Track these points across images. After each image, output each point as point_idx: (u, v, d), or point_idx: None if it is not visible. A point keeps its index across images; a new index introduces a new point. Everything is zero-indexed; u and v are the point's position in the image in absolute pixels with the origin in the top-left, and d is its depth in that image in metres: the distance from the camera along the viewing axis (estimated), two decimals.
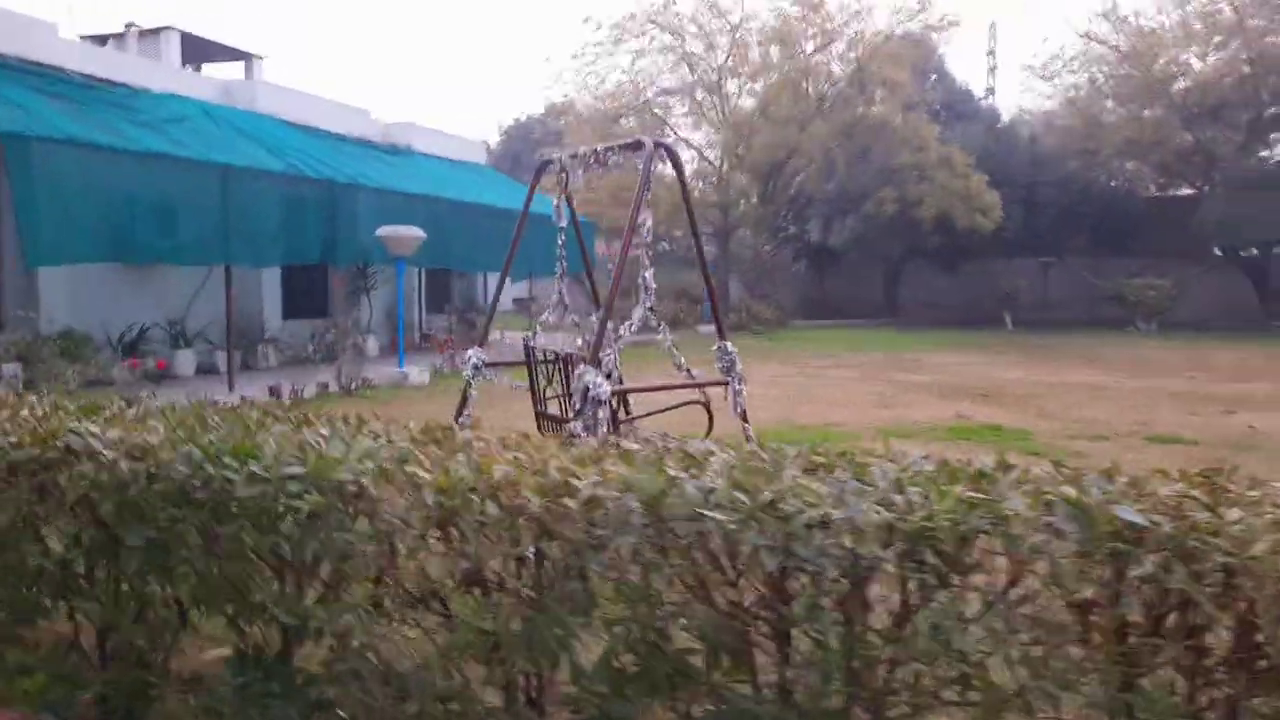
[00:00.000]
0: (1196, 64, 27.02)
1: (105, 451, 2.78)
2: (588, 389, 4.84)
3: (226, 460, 2.65)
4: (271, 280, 16.50)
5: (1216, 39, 26.30)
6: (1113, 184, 29.17)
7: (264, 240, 12.82)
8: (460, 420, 6.18)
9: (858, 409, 11.31)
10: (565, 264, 6.29)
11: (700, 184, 29.74)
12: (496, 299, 6.60)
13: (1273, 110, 26.44)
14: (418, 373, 13.39)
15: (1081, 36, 27.95)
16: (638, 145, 5.65)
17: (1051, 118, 29.89)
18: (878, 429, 9.80)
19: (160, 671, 3.05)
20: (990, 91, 37.32)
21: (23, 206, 9.76)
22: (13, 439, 3.00)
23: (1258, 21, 25.49)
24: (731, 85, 25.33)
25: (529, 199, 6.29)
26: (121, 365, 12.22)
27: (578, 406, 4.90)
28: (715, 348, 5.89)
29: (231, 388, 12.20)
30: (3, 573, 3.16)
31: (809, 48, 24.23)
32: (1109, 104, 28.53)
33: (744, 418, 5.84)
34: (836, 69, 24.15)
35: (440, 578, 2.43)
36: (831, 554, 1.93)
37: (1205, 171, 28.07)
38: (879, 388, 13.50)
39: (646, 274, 5.55)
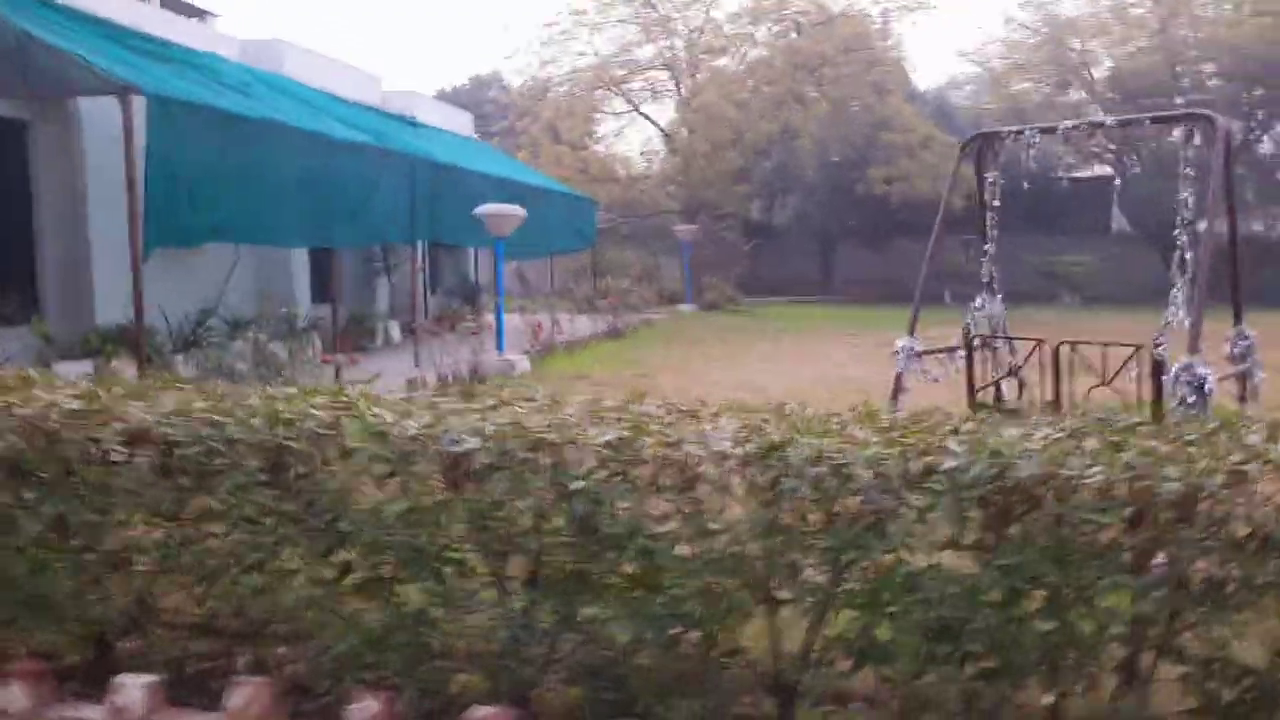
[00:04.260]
0: (1113, 52, 29.19)
1: None
2: (1202, 380, 4.71)
3: None
4: (300, 263, 15.09)
5: (1125, 30, 28.50)
6: (1034, 165, 31.07)
7: (365, 220, 11.69)
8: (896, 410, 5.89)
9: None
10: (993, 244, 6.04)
11: (650, 163, 29.41)
12: (923, 280, 6.22)
13: (1179, 100, 28.92)
14: (520, 360, 12.61)
15: (1005, 23, 29.68)
16: (1192, 119, 5.47)
17: (976, 100, 31.49)
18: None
19: None
20: None
21: (157, 180, 8.35)
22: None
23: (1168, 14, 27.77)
24: (710, 60, 25.10)
25: (978, 178, 5.98)
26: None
27: (1190, 399, 4.74)
28: (1233, 331, 5.83)
29: (338, 376, 11.07)
30: None
31: (794, 26, 24.34)
32: (1028, 86, 30.37)
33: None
34: (827, 48, 24.40)
35: None
36: None
37: (1119, 154, 30.42)
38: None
39: (1187, 255, 5.41)
